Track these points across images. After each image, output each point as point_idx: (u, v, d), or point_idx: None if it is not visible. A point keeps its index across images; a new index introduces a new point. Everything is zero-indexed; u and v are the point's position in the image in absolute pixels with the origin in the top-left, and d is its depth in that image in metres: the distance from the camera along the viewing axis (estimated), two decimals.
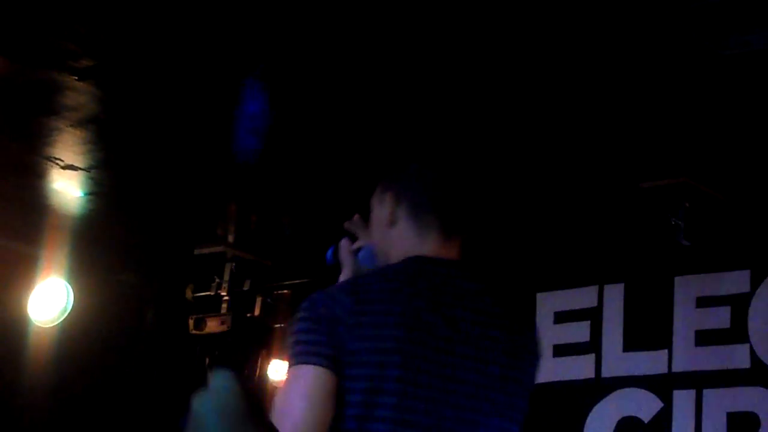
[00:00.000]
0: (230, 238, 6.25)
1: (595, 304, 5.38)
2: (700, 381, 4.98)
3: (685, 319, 5.08)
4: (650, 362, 5.14)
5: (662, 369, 5.10)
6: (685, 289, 5.11)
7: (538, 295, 5.54)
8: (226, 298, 6.34)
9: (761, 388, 4.82)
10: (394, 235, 2.54)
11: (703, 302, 5.06)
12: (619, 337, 5.27)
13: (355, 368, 2.30)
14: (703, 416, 4.94)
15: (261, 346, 6.30)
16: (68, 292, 6.46)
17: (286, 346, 2.36)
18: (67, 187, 5.56)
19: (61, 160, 5.22)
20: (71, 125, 4.82)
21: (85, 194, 5.65)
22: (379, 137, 4.74)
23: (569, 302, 5.45)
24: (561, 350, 5.41)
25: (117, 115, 4.75)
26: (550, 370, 5.40)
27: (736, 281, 4.98)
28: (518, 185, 5.14)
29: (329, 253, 2.69)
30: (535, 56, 4.02)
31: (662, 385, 5.08)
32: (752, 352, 4.88)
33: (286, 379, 2.35)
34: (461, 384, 2.38)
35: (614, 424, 5.19)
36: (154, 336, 6.70)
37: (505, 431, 2.43)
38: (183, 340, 6.28)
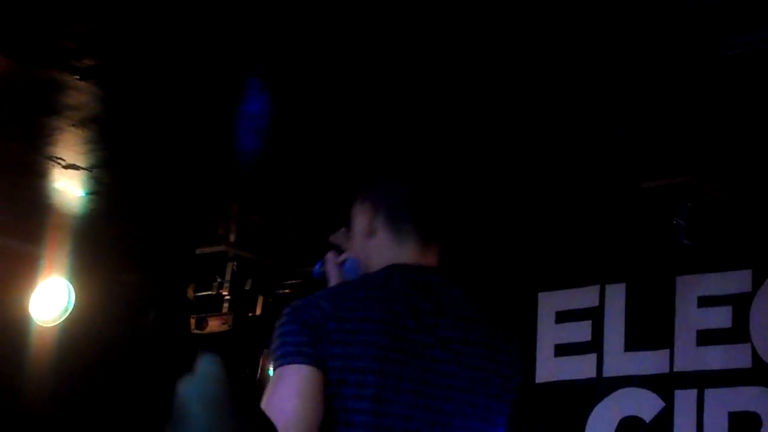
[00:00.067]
0: (232, 238, 6.24)
1: (596, 303, 5.38)
2: (701, 381, 4.98)
3: (687, 319, 5.09)
4: (652, 362, 5.14)
5: (664, 369, 5.10)
6: (687, 288, 5.11)
7: (540, 295, 5.54)
8: (227, 297, 6.34)
9: (763, 388, 4.82)
10: (373, 245, 2.57)
11: (704, 302, 5.06)
12: (621, 337, 5.27)
13: (335, 374, 2.32)
14: (705, 416, 4.94)
15: (263, 345, 6.29)
16: (70, 292, 6.46)
17: (270, 351, 2.38)
18: (69, 187, 5.56)
19: (63, 160, 5.22)
20: (73, 125, 4.82)
21: (87, 194, 5.65)
22: (380, 137, 4.74)
23: (571, 302, 5.45)
24: (562, 350, 5.41)
25: (119, 114, 4.75)
26: (552, 369, 5.41)
27: (737, 281, 4.98)
28: (518, 185, 5.14)
29: (317, 267, 2.73)
30: (537, 56, 4.02)
31: (664, 385, 5.08)
32: (754, 351, 4.88)
33: (273, 380, 2.35)
34: (440, 389, 2.41)
35: (615, 424, 5.19)
36: (156, 335, 6.70)
37: None
38: (184, 339, 6.28)
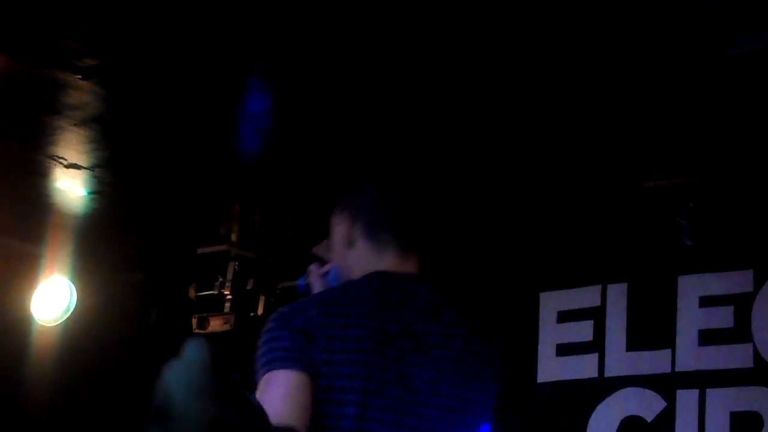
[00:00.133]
0: (233, 237, 6.24)
1: (598, 303, 5.37)
2: (703, 380, 4.98)
3: (689, 319, 5.08)
4: (653, 362, 5.14)
5: (665, 368, 5.10)
6: (689, 288, 5.11)
7: (541, 295, 5.54)
8: (229, 297, 6.33)
9: (764, 388, 4.81)
10: (353, 255, 2.59)
11: (706, 302, 5.05)
12: (623, 337, 5.27)
13: (323, 380, 2.34)
14: (707, 416, 4.94)
15: None
16: (71, 291, 6.46)
17: (257, 356, 2.38)
18: (71, 186, 5.56)
19: (65, 159, 5.23)
20: (74, 124, 4.82)
21: (89, 193, 5.65)
22: (382, 137, 4.74)
23: (572, 301, 5.44)
24: (564, 349, 5.41)
25: (120, 114, 4.75)
26: (554, 369, 5.41)
27: (739, 281, 4.97)
28: (520, 185, 5.14)
29: (301, 280, 2.76)
30: (538, 55, 4.02)
31: (665, 385, 5.08)
32: (755, 351, 4.88)
33: (262, 385, 2.36)
34: (423, 394, 2.43)
35: (617, 424, 5.18)
36: (157, 335, 6.70)
37: None
38: (186, 339, 6.27)
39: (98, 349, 6.60)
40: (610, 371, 5.27)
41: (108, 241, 6.30)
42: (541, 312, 5.52)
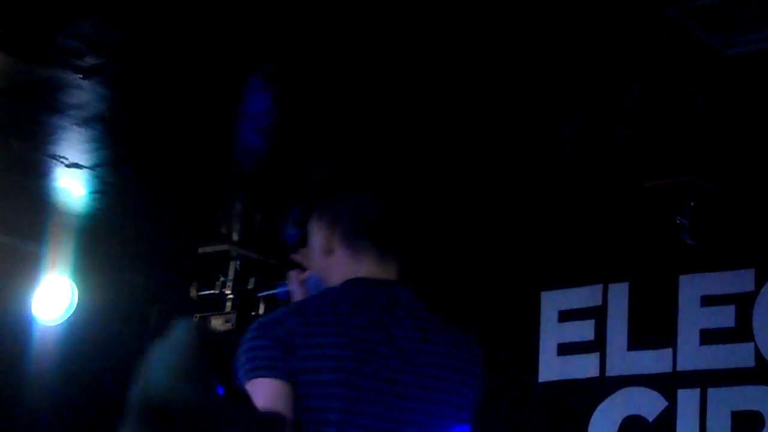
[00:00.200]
0: (235, 237, 6.25)
1: (599, 302, 5.38)
2: (704, 380, 4.98)
3: (690, 318, 5.08)
4: (655, 361, 5.14)
5: (667, 368, 5.10)
6: (690, 287, 5.11)
7: (543, 294, 5.54)
8: (230, 296, 6.34)
9: (766, 387, 4.82)
10: (332, 262, 2.59)
11: (707, 301, 5.05)
12: (624, 336, 5.27)
13: (302, 388, 2.35)
14: (708, 415, 4.94)
15: None
16: (73, 291, 6.46)
17: (237, 366, 2.38)
18: (72, 186, 5.56)
19: (66, 159, 5.23)
20: (76, 123, 4.82)
21: (90, 192, 5.65)
22: (382, 135, 4.74)
23: (574, 301, 5.44)
24: (565, 349, 5.42)
25: (122, 113, 4.75)
26: (555, 368, 5.41)
27: (740, 280, 4.98)
28: (521, 185, 5.14)
29: (283, 287, 2.77)
30: (538, 52, 4.02)
31: (667, 384, 5.08)
32: (757, 350, 4.88)
33: None
34: (403, 400, 2.45)
35: (618, 423, 5.19)
36: (159, 334, 6.70)
37: None
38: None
39: (99, 348, 6.61)
40: (612, 370, 5.27)
41: (109, 241, 6.30)
42: (542, 311, 5.52)
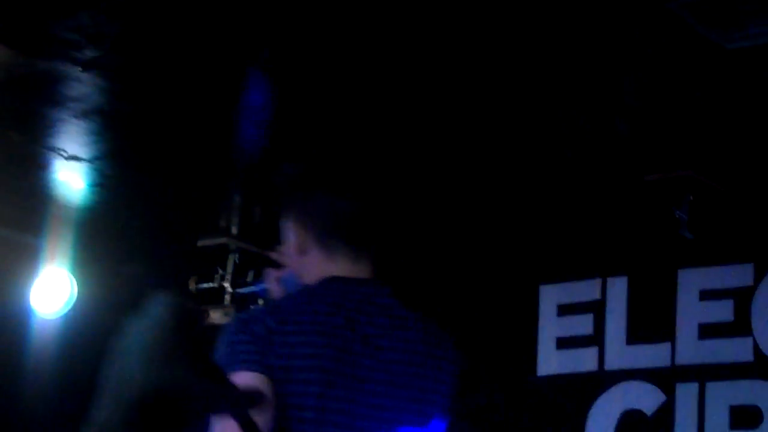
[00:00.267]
0: (233, 230, 6.24)
1: (598, 296, 5.38)
2: (703, 374, 4.98)
3: (689, 312, 5.09)
4: (653, 355, 5.14)
5: (665, 362, 5.10)
6: (689, 282, 5.12)
7: (542, 288, 5.54)
8: (229, 289, 6.34)
9: (764, 382, 4.82)
10: (307, 262, 2.60)
11: (706, 295, 5.06)
12: (623, 330, 5.27)
13: (278, 386, 2.37)
14: (706, 409, 4.94)
15: None
16: (72, 284, 6.46)
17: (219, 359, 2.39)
18: (71, 178, 5.56)
19: (65, 151, 5.22)
20: (75, 116, 4.82)
21: (89, 185, 5.65)
22: (382, 130, 4.74)
23: (572, 295, 5.45)
24: (564, 343, 5.42)
25: (121, 106, 4.74)
26: (554, 362, 5.42)
27: (739, 274, 4.98)
28: (520, 179, 5.14)
29: (261, 285, 2.79)
30: (538, 50, 4.02)
31: (665, 378, 5.08)
32: (755, 345, 4.89)
33: None
34: (378, 397, 2.47)
35: (617, 417, 5.19)
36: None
37: None
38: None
39: (98, 341, 6.58)
40: (610, 364, 5.28)
41: (108, 234, 6.30)
42: (541, 305, 5.52)
